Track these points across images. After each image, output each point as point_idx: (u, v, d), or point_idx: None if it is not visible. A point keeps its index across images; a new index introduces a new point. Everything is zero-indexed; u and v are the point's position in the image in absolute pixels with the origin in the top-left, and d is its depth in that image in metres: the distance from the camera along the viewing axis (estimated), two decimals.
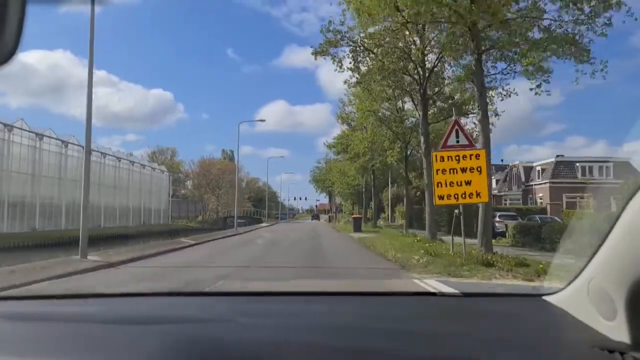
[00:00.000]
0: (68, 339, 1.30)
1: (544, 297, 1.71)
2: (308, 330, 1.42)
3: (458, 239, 11.83)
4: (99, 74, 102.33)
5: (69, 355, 1.16)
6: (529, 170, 45.52)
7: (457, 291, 2.53)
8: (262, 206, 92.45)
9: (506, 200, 46.65)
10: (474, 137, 16.65)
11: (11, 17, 0.61)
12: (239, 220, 64.98)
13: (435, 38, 18.22)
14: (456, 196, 11.07)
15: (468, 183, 11.05)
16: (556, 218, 30.10)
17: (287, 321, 1.57)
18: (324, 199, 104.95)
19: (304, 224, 56.05)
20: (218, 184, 62.02)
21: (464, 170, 11.09)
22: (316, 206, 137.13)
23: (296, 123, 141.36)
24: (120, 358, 1.14)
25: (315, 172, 73.27)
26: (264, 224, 54.08)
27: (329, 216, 66.08)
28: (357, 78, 19.65)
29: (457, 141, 11.42)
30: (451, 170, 11.11)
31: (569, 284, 1.53)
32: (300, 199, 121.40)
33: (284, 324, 1.52)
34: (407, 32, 17.77)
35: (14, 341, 1.29)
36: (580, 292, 1.42)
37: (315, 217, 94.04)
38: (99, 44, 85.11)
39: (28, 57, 71.37)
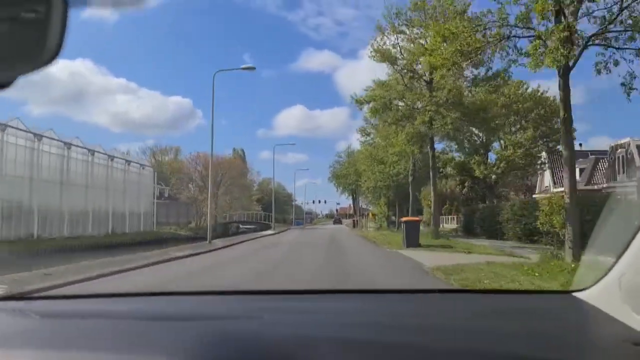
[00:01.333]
0: (107, 335, 1.33)
1: (574, 294, 1.69)
2: (334, 327, 1.41)
3: None
4: (118, 81, 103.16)
5: (107, 351, 1.17)
6: None
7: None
8: (276, 210, 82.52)
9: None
10: None
11: (54, 17, 0.63)
12: (247, 226, 54.43)
13: None
14: None
15: None
16: None
17: (313, 318, 1.58)
18: (345, 201, 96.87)
19: (323, 231, 44.04)
20: (218, 183, 51.24)
21: None
22: (337, 210, 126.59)
23: (314, 127, 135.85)
24: (157, 352, 1.15)
25: (335, 168, 62.02)
26: (269, 231, 42.73)
27: (353, 220, 54.32)
28: None
29: None
30: None
31: (599, 279, 1.53)
32: (319, 202, 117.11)
33: (310, 321, 1.54)
34: None
35: (59, 338, 1.32)
36: (612, 287, 1.43)
37: (337, 221, 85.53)
38: (118, 51, 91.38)
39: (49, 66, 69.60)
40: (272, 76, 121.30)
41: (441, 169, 33.62)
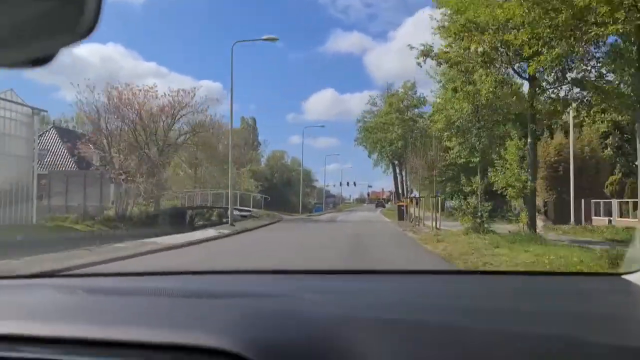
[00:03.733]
0: (150, 311, 1.35)
1: (624, 276, 1.64)
2: (372, 307, 1.38)
3: None
4: (149, 65, 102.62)
5: (149, 326, 1.17)
6: None
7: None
8: (290, 191, 62.12)
9: None
10: None
11: None
12: (243, 212, 33.44)
13: None
14: None
15: None
16: None
17: (351, 298, 1.56)
18: (379, 181, 78.59)
19: (337, 230, 22.75)
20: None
21: None
22: (368, 193, 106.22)
23: (345, 111, 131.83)
24: (198, 328, 1.12)
25: (366, 121, 41.22)
26: (250, 225, 22.58)
27: (400, 207, 31.69)
28: None
29: None
30: None
31: None
32: (347, 184, 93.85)
33: (348, 300, 1.52)
34: None
35: (105, 313, 1.34)
36: None
37: (380, 204, 74.85)
38: (148, 35, 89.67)
39: (81, 50, 70.36)
40: (300, 59, 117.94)
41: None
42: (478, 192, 14.65)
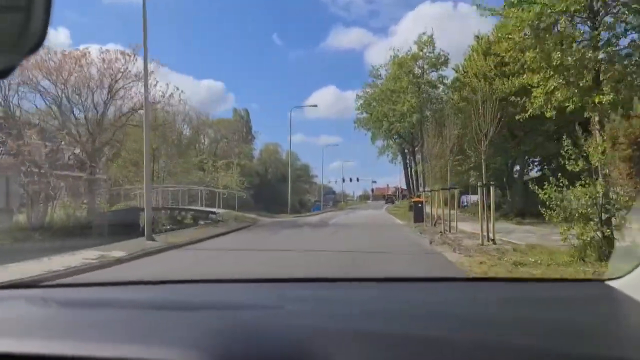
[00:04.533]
0: (122, 324, 1.32)
1: (607, 282, 1.61)
2: (353, 316, 1.36)
3: None
4: (149, 65, 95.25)
5: (121, 340, 1.16)
6: None
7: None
8: (285, 188, 54.86)
9: None
10: None
11: (38, 6, 0.65)
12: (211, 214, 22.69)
13: None
14: None
15: None
16: None
17: (332, 307, 1.54)
18: (384, 177, 72.01)
19: (328, 239, 16.12)
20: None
21: None
22: (372, 190, 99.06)
23: (347, 108, 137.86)
24: (171, 342, 1.11)
25: (367, 93, 33.27)
26: (187, 238, 15.09)
27: (416, 204, 23.76)
28: None
29: None
30: None
31: (635, 267, 1.49)
32: (350, 180, 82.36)
33: (329, 310, 1.48)
34: None
35: (74, 326, 1.32)
36: None
37: (390, 200, 69.82)
38: (148, 34, 77.47)
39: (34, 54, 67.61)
40: (301, 57, 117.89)
41: None
42: (605, 174, 7.36)
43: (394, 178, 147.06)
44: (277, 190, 51.39)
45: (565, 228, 7.50)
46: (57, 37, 62.54)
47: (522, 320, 1.30)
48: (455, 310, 1.43)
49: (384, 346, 1.08)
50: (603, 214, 7.23)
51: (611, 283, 1.57)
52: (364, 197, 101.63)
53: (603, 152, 7.67)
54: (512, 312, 1.41)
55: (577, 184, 7.58)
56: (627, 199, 7.52)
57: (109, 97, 21.05)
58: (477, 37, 23.69)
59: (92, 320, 1.37)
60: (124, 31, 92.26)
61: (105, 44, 74.83)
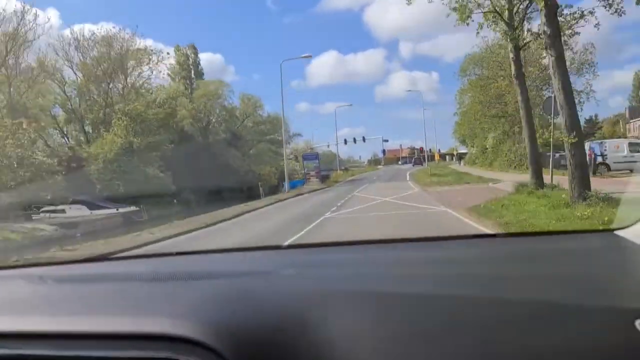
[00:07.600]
0: (123, 297, 1.33)
1: (616, 232, 1.59)
2: (369, 278, 1.36)
3: None
4: (145, 42, 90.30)
5: (123, 313, 1.17)
6: None
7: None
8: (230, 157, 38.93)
9: None
10: None
11: None
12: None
13: None
14: None
15: None
16: None
17: (340, 271, 1.52)
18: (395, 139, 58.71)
19: None
20: None
21: None
22: (383, 151, 79.41)
23: (350, 72, 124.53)
24: (173, 312, 1.12)
25: None
26: None
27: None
28: None
29: None
30: None
31: None
32: (354, 141, 59.37)
33: (328, 273, 1.48)
34: None
35: (75, 303, 1.32)
36: None
37: (418, 161, 60.16)
38: (141, 11, 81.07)
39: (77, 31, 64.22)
40: (297, 21, 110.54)
41: None
42: None
43: (406, 139, 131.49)
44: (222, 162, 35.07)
45: None
46: (51, 18, 56.20)
47: (533, 275, 1.29)
48: (456, 269, 1.42)
49: (385, 305, 1.08)
50: None
51: (620, 232, 1.57)
52: (375, 162, 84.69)
53: None
54: (521, 268, 1.40)
55: None
56: None
57: None
58: None
59: (86, 296, 1.38)
60: (115, 8, 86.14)
61: (96, 23, 75.47)
